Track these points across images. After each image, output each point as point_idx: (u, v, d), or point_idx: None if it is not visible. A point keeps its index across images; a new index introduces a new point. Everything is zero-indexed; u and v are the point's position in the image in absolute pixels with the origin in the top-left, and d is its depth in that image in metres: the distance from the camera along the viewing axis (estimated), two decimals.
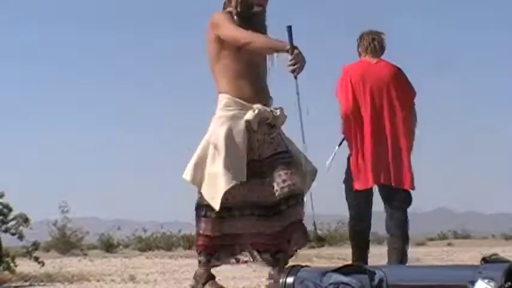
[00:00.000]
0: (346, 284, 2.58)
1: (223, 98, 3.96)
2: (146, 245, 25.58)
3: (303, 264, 2.88)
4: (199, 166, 3.91)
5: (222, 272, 10.69)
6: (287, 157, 3.95)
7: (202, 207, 3.97)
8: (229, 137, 3.81)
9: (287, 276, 2.73)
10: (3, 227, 8.81)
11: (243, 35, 3.90)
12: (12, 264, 8.32)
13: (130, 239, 27.81)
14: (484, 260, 2.61)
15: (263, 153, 3.93)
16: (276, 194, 3.86)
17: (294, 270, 2.76)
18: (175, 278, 8.85)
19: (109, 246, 24.13)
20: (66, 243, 21.77)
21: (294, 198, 3.91)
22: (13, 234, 8.85)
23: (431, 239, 34.67)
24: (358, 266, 2.73)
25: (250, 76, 3.96)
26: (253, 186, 3.91)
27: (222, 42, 3.96)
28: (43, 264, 9.05)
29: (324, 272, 2.66)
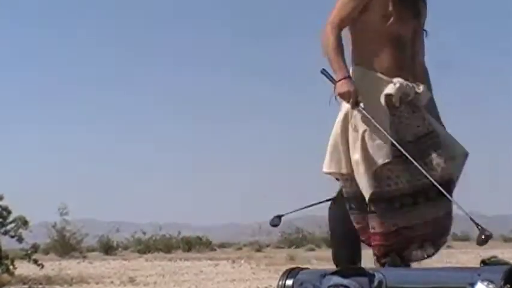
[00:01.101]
0: (346, 286, 2.58)
1: (357, 71, 3.43)
2: (145, 247, 25.59)
3: (303, 266, 2.88)
4: (336, 153, 3.38)
5: (221, 273, 10.71)
6: (434, 137, 3.39)
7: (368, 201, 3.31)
8: (368, 114, 3.29)
9: (286, 278, 2.72)
10: (3, 230, 8.81)
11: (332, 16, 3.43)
12: (11, 267, 8.32)
13: (129, 241, 27.84)
14: (484, 262, 2.61)
15: (405, 137, 3.37)
16: (430, 178, 3.27)
17: (294, 272, 2.76)
18: (175, 280, 8.84)
19: (108, 249, 24.13)
20: (66, 246, 21.77)
21: (447, 185, 3.35)
22: (12, 236, 8.85)
23: None
24: (358, 268, 2.73)
25: (392, 48, 3.41)
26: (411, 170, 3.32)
27: (366, 6, 3.42)
28: (42, 267, 9.05)
29: (324, 274, 2.66)
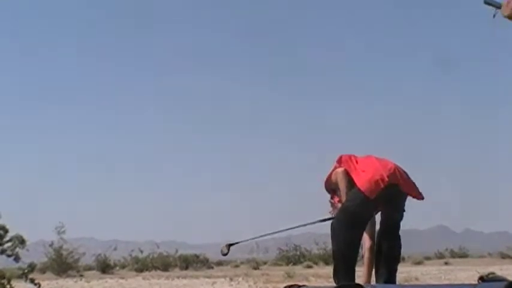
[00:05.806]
0: None
1: None
2: (143, 265, 25.50)
3: (300, 283, 2.88)
4: None
5: None
6: None
7: None
8: None
9: None
10: (0, 249, 8.78)
11: None
12: (8, 286, 8.28)
13: (127, 260, 27.74)
14: (482, 278, 2.61)
15: None
16: None
17: None
18: None
19: (105, 267, 24.03)
20: (63, 265, 21.70)
21: None
22: (9, 255, 8.82)
23: (429, 258, 34.61)
24: (355, 285, 2.73)
25: None
26: None
27: None
28: (39, 286, 9.01)
29: None
